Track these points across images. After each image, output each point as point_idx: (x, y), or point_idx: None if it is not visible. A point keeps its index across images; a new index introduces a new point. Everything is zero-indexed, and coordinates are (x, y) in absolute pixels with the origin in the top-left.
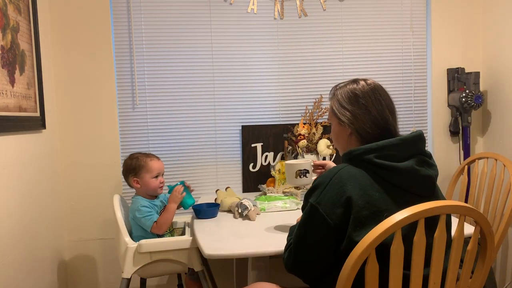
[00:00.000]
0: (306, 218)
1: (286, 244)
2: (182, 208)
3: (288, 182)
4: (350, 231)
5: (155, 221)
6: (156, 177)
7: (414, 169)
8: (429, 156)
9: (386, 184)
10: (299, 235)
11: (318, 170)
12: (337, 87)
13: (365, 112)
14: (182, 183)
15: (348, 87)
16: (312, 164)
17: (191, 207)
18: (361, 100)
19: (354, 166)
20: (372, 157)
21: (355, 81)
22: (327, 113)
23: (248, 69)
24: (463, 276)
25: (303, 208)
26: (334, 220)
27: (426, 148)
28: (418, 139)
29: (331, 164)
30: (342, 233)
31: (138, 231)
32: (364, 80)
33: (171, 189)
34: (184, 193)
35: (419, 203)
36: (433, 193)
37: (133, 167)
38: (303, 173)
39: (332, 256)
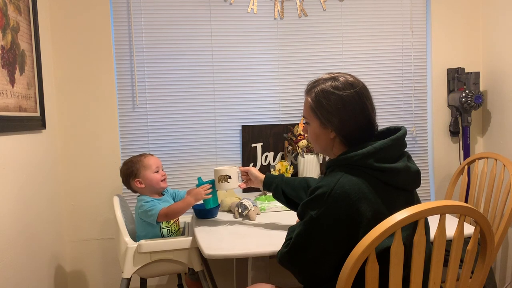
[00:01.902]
0: (307, 230)
1: (284, 243)
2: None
3: (216, 186)
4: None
5: (164, 208)
6: (157, 172)
7: (408, 166)
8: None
9: (384, 187)
10: (298, 245)
11: (244, 176)
12: (316, 84)
13: (352, 118)
14: (213, 182)
15: (330, 87)
16: (238, 170)
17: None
18: (349, 106)
19: (350, 173)
20: (372, 161)
21: (335, 78)
22: None
23: (248, 69)
24: (463, 276)
25: (300, 216)
26: (337, 234)
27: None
28: (404, 136)
29: (253, 170)
30: (349, 246)
31: (143, 231)
32: (344, 76)
33: (200, 182)
34: (211, 196)
35: (410, 198)
36: (418, 186)
37: (131, 170)
38: (225, 178)
39: (333, 263)
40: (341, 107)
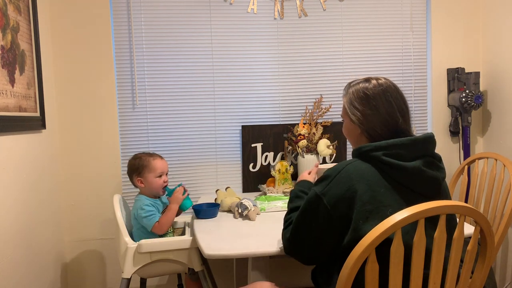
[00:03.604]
0: (309, 206)
1: (284, 224)
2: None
3: None
4: (354, 225)
5: (157, 221)
6: (160, 176)
7: (421, 169)
8: (439, 159)
9: (392, 181)
10: (299, 221)
11: None
12: (351, 85)
13: (375, 113)
14: (180, 185)
15: (360, 86)
16: None
17: (189, 208)
18: (372, 101)
19: (364, 161)
20: (380, 154)
21: (368, 80)
22: (328, 113)
23: (248, 69)
24: (463, 276)
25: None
26: (336, 213)
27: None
28: (428, 140)
29: None
30: (344, 225)
31: (139, 230)
32: (377, 79)
33: (170, 192)
34: (186, 194)
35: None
36: (438, 194)
37: (136, 167)
38: None
39: (332, 243)
40: (366, 102)
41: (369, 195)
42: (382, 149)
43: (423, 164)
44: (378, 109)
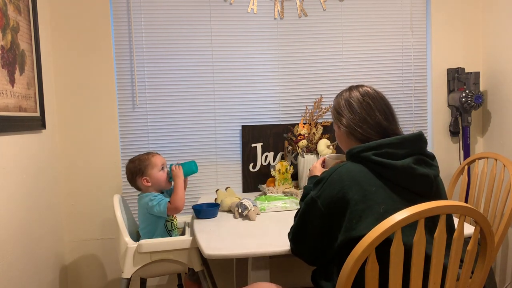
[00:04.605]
0: (306, 208)
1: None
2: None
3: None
4: (347, 224)
5: (168, 201)
6: (162, 169)
7: (411, 167)
8: (431, 157)
9: (385, 180)
10: (298, 223)
11: None
12: (337, 96)
13: (356, 115)
14: (171, 166)
15: (343, 95)
16: None
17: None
18: (354, 105)
19: (355, 162)
20: (370, 154)
21: (350, 88)
22: (328, 113)
23: (248, 69)
24: (463, 276)
25: (302, 197)
26: (330, 214)
27: (428, 149)
28: (417, 139)
29: None
30: (339, 226)
31: (147, 227)
32: (357, 87)
33: (171, 178)
34: (181, 167)
35: (418, 201)
36: (431, 193)
37: (138, 168)
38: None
39: (330, 243)
40: (348, 107)
41: (361, 195)
42: (372, 149)
43: (414, 162)
44: (358, 111)
